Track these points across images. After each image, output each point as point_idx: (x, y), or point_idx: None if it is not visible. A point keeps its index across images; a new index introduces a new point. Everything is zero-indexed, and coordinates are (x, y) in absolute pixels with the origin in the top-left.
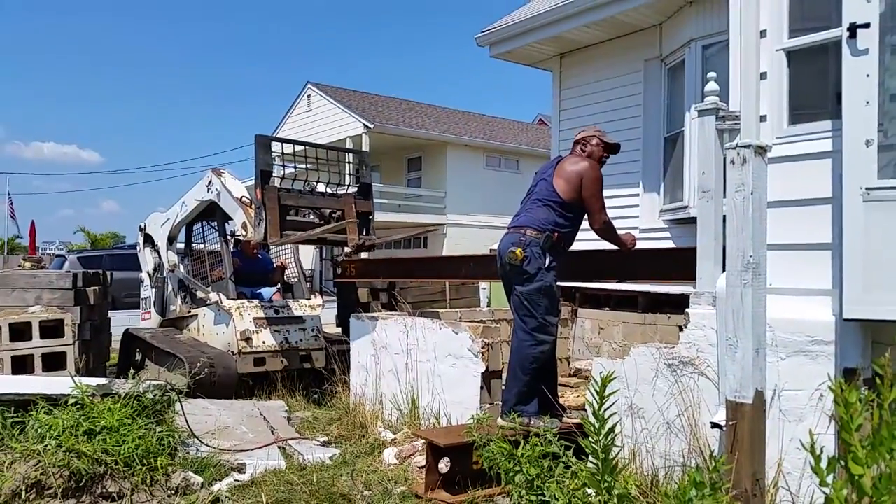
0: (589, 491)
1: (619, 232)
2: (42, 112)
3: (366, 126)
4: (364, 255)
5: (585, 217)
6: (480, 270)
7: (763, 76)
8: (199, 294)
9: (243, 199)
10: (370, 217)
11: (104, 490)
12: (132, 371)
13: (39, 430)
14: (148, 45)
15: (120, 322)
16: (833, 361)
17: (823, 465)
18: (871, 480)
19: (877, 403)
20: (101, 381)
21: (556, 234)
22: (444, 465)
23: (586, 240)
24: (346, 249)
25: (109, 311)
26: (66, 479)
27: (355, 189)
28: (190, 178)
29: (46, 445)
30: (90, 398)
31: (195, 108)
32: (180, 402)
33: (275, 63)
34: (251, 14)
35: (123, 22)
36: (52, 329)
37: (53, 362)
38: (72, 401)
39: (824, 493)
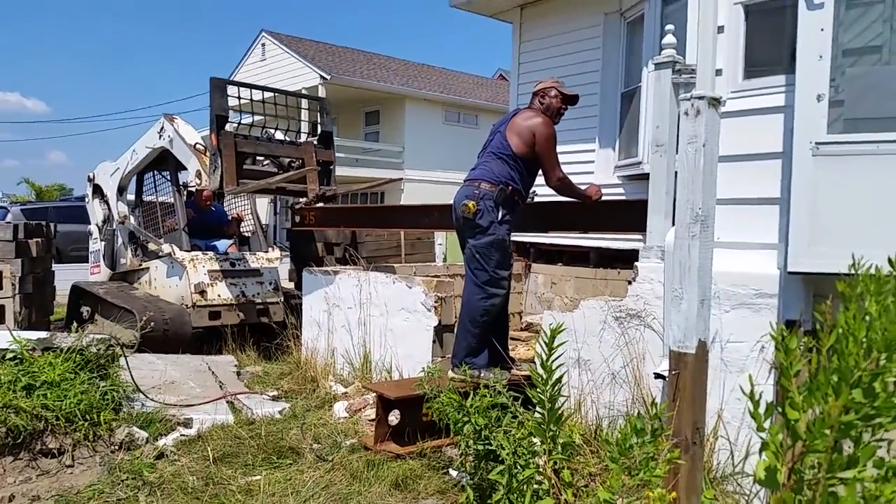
0: (535, 440)
1: (581, 186)
2: None
3: (322, 77)
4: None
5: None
6: (444, 220)
7: (720, 30)
8: (151, 246)
9: (197, 146)
10: (331, 167)
11: (44, 446)
12: (75, 325)
13: None
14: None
15: (67, 276)
16: (775, 314)
17: (761, 410)
18: (806, 425)
19: (815, 350)
20: (42, 334)
21: (509, 187)
22: (393, 418)
23: (545, 195)
24: (305, 199)
25: (55, 265)
26: (3, 436)
27: (315, 137)
28: (140, 128)
29: None
30: (30, 352)
31: (146, 56)
32: (125, 356)
33: (229, 10)
34: None
35: None
36: None
37: None
38: (10, 355)
39: (761, 437)
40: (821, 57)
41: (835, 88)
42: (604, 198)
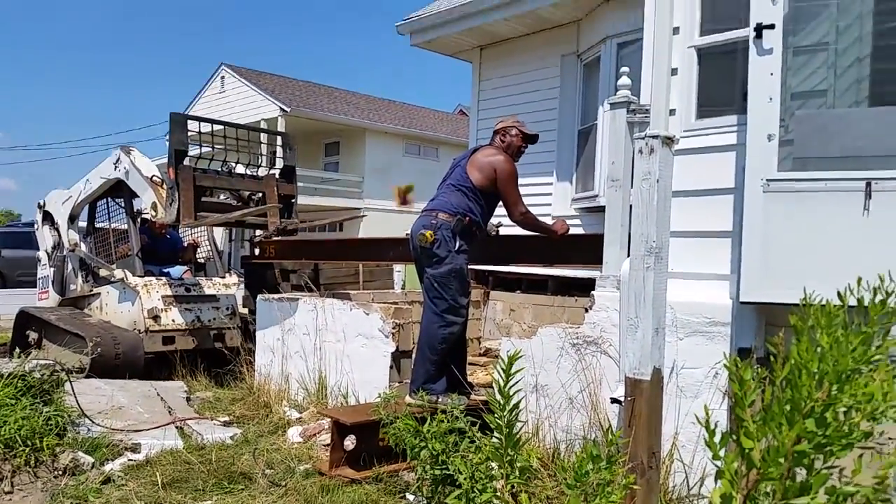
0: (492, 464)
1: (545, 220)
2: None
3: (282, 109)
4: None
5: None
6: (407, 253)
7: (674, 72)
8: (103, 272)
9: (154, 177)
10: (293, 200)
11: None
12: (17, 351)
13: None
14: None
15: (12, 301)
16: (729, 341)
17: (717, 439)
18: (761, 453)
19: (769, 381)
20: None
21: (467, 217)
22: (349, 443)
23: (508, 225)
24: (265, 233)
25: (1, 290)
26: None
27: (277, 171)
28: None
29: None
30: None
31: (101, 87)
32: (70, 381)
33: (188, 43)
34: None
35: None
36: None
37: None
38: None
39: (716, 465)
40: (770, 99)
41: (784, 128)
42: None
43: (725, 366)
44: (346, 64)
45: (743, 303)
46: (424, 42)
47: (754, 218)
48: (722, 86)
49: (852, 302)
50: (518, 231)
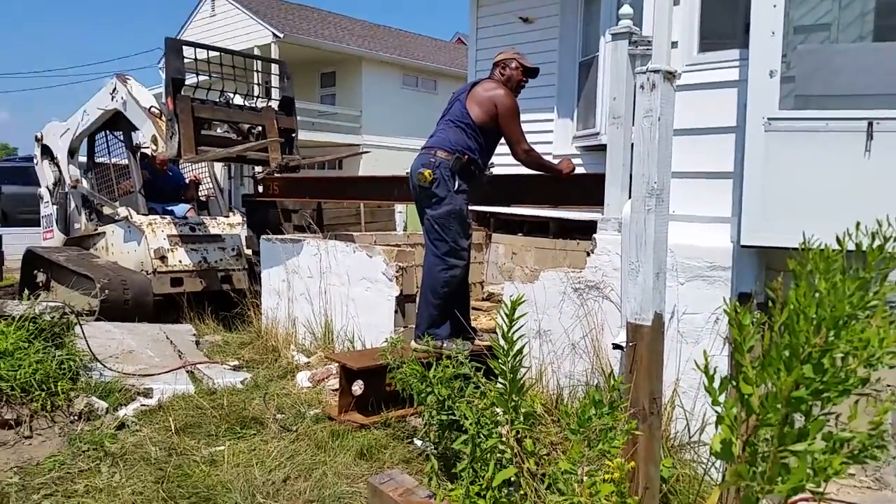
0: (497, 409)
1: (550, 159)
2: None
3: (275, 35)
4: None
5: (503, 144)
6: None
7: (676, 1)
8: (106, 210)
9: (152, 109)
10: (293, 135)
11: (0, 417)
12: (26, 292)
13: None
14: None
15: (16, 239)
16: (729, 286)
17: (716, 385)
18: (759, 399)
19: (768, 326)
20: None
21: (465, 156)
22: (357, 388)
23: (508, 164)
24: (268, 169)
25: (2, 229)
26: None
27: (276, 103)
28: (87, 86)
29: None
30: None
31: (94, 12)
32: (80, 324)
33: None
34: None
35: None
36: None
37: None
38: None
39: (716, 411)
40: (773, 33)
41: (786, 64)
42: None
43: (725, 311)
44: None
45: (744, 246)
46: None
47: (755, 158)
48: (725, 17)
49: (851, 247)
50: (517, 170)
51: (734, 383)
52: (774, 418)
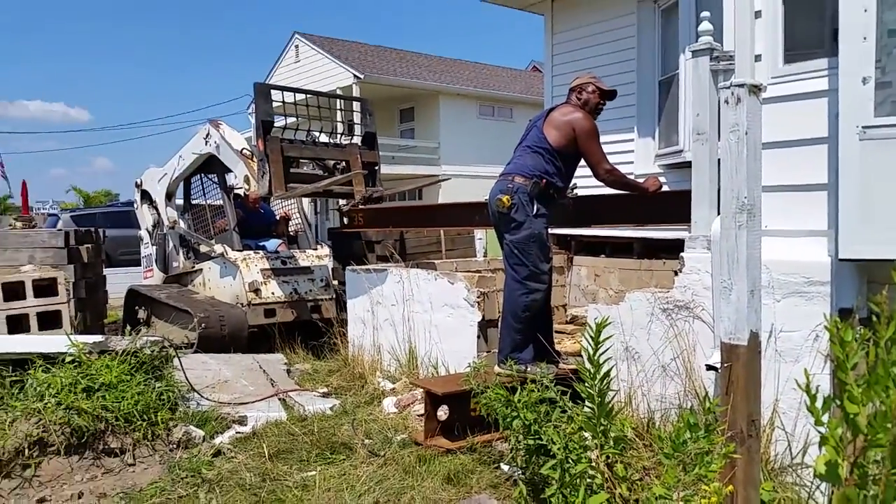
0: (585, 434)
1: (633, 177)
2: (25, 70)
3: (356, 76)
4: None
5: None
6: None
7: (758, 14)
8: (203, 248)
9: (244, 151)
10: (376, 168)
11: (106, 446)
12: (128, 328)
13: (38, 389)
14: (134, 4)
15: (118, 280)
16: (829, 302)
17: (819, 404)
18: (867, 419)
19: (872, 342)
20: (98, 338)
21: (543, 180)
22: (442, 413)
23: (592, 186)
24: (353, 201)
25: (105, 269)
26: (68, 436)
27: (360, 139)
28: (181, 133)
29: (46, 403)
30: (87, 355)
31: (184, 64)
32: (178, 356)
33: (262, 14)
34: None
35: None
36: (46, 288)
37: (49, 321)
38: (69, 358)
39: (819, 432)
40: (865, 38)
41: (881, 70)
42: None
43: (826, 327)
44: (416, 25)
45: (842, 260)
46: None
47: (850, 168)
48: (810, 27)
49: None
50: (599, 191)
51: (838, 402)
52: (885, 438)
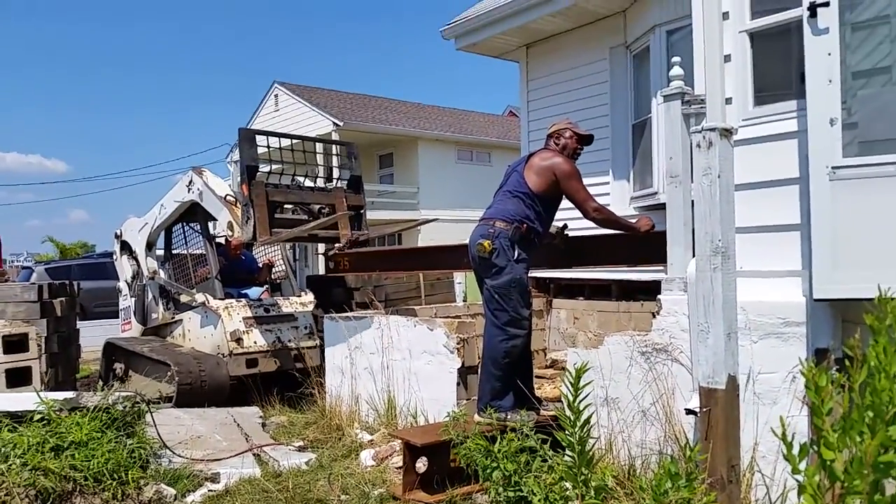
0: (566, 484)
1: (624, 216)
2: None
3: (335, 124)
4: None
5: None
6: None
7: (727, 58)
8: (184, 298)
9: (227, 197)
10: (362, 211)
11: None
12: (100, 383)
13: (3, 449)
14: (109, 52)
15: (93, 333)
16: (805, 342)
17: (795, 451)
18: (843, 465)
19: (847, 386)
20: (69, 394)
21: (524, 225)
22: (421, 465)
23: (585, 228)
24: (339, 245)
25: (79, 322)
26: (33, 499)
27: (345, 182)
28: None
29: (11, 465)
30: (57, 413)
31: (161, 114)
32: (151, 412)
33: (241, 65)
34: (216, 13)
35: (82, 28)
36: (16, 343)
37: (19, 377)
38: (37, 417)
39: (797, 480)
40: (830, 81)
41: (847, 111)
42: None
43: (802, 371)
44: (393, 73)
45: (817, 300)
46: (469, 45)
47: (822, 208)
48: (778, 70)
49: None
50: (580, 232)
51: (815, 448)
52: (862, 485)
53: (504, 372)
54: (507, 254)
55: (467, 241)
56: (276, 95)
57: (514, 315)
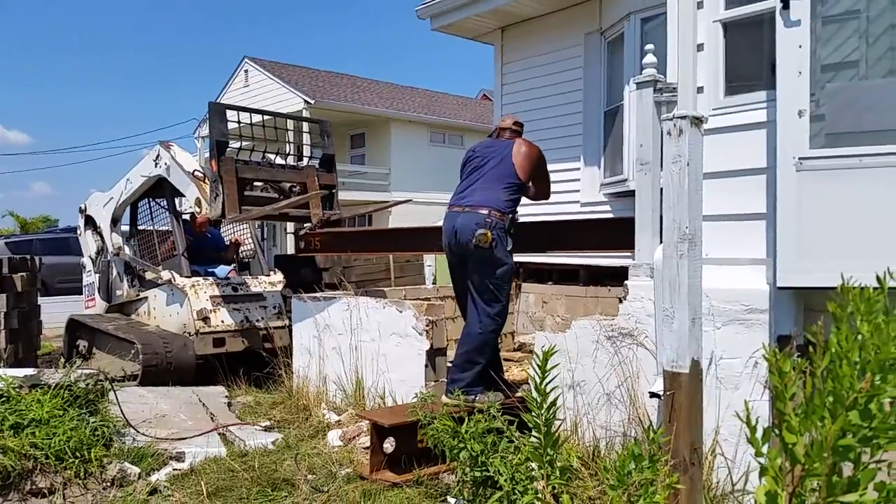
0: (532, 464)
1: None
2: None
3: (306, 101)
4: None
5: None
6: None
7: (700, 47)
8: (149, 275)
9: (196, 172)
10: (334, 190)
11: (34, 486)
12: (62, 360)
13: None
14: (76, 22)
15: (55, 309)
16: (767, 329)
17: (759, 435)
18: (804, 448)
19: (809, 371)
20: (30, 371)
21: (515, 215)
22: (388, 446)
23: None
24: (310, 224)
25: (41, 298)
26: None
27: (317, 161)
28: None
29: None
30: (17, 390)
31: (128, 86)
32: (114, 390)
33: (211, 38)
34: None
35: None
36: None
37: None
38: None
39: (759, 463)
40: (800, 73)
41: (815, 103)
42: (592, 216)
43: (765, 357)
44: (367, 52)
45: (780, 288)
46: (445, 26)
47: (788, 198)
48: (750, 60)
49: (892, 284)
50: (546, 218)
51: (777, 432)
52: (821, 468)
53: (486, 358)
54: (505, 245)
55: (440, 224)
56: (246, 71)
57: (505, 305)
